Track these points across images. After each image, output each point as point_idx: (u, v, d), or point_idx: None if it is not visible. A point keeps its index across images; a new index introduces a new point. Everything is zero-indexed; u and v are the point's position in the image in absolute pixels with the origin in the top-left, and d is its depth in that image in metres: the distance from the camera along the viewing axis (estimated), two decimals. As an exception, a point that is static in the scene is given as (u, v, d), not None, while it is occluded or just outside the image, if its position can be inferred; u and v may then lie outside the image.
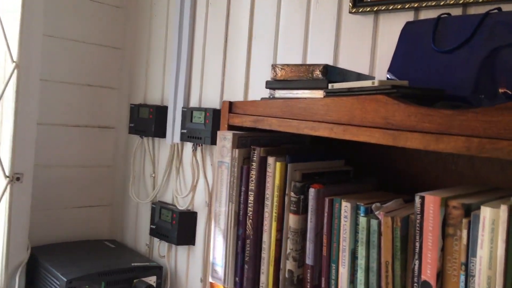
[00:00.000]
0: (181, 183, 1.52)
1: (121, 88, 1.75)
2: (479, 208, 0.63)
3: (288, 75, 0.91)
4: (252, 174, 0.90)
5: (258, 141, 0.94)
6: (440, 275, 0.67)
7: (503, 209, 0.59)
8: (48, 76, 1.58)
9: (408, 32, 0.91)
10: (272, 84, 0.94)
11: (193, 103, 1.48)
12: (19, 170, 1.45)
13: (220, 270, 0.94)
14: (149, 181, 1.64)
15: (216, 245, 0.94)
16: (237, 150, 0.91)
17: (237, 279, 0.93)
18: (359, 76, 0.92)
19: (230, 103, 0.95)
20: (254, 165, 0.89)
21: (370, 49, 1.05)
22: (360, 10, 1.06)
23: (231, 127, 0.95)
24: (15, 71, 1.42)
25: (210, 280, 0.96)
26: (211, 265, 0.96)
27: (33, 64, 1.46)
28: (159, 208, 1.55)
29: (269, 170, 0.88)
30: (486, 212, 0.61)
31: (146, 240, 1.65)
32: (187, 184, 1.50)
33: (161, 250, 1.58)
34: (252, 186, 0.90)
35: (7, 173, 1.43)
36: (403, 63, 0.90)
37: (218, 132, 0.92)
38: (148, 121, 1.59)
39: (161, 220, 1.54)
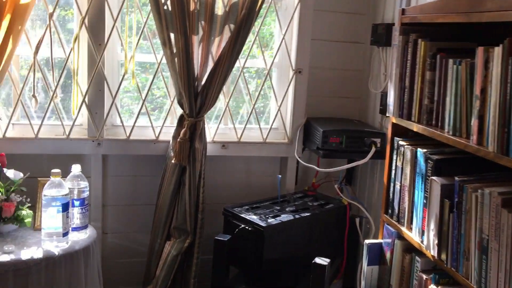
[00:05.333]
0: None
1: (368, 13, 2.47)
2: None
3: (436, -11, 1.50)
4: (409, 50, 1.54)
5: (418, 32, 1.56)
6: None
7: None
8: (320, 7, 2.42)
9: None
10: (429, -4, 1.54)
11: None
12: (300, 66, 2.39)
13: (391, 108, 1.64)
14: (382, 78, 2.35)
15: (390, 93, 1.64)
16: (401, 36, 1.56)
17: (400, 112, 1.62)
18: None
19: (403, 9, 1.60)
20: (410, 44, 1.54)
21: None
22: None
23: (403, 24, 1.60)
24: (299, 4, 2.33)
25: (387, 114, 1.67)
26: (387, 106, 1.67)
27: None
28: (385, 95, 2.26)
29: (418, 47, 1.51)
30: None
31: (379, 119, 2.39)
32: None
33: (386, 124, 2.30)
34: (409, 57, 1.55)
35: (293, 68, 2.39)
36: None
37: (393, 27, 1.59)
38: (382, 34, 2.28)
39: (386, 103, 2.25)
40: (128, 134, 2.26)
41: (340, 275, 2.30)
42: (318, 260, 1.83)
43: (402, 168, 1.62)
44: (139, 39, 2.22)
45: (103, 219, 2.31)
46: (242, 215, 2.08)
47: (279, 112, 2.45)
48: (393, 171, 1.68)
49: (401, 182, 1.62)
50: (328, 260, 1.84)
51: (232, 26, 2.17)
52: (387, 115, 1.71)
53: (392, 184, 1.69)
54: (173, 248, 2.17)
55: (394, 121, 1.66)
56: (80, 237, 1.86)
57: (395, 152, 1.67)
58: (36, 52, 2.08)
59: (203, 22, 2.16)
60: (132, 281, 2.35)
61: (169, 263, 2.14)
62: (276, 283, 2.07)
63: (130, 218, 2.38)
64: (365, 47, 2.50)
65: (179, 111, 2.25)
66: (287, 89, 2.43)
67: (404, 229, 1.61)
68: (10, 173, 1.92)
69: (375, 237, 2.15)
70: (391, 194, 1.70)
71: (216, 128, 2.38)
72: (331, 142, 2.23)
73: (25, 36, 2.07)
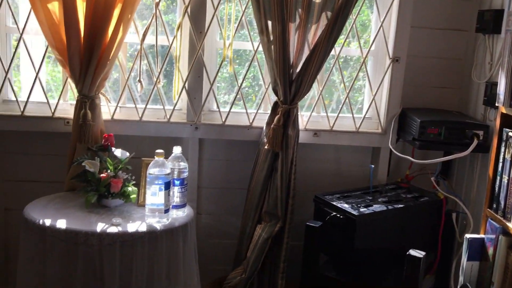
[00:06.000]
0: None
1: (473, -1, 2.35)
2: None
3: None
4: (525, 35, 1.45)
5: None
6: None
7: None
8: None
9: None
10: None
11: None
12: (397, 55, 2.33)
13: (502, 97, 1.56)
14: (487, 67, 2.22)
15: (501, 82, 1.55)
16: (517, 21, 1.47)
17: (511, 102, 1.53)
18: None
19: (519, -7, 1.50)
20: (527, 29, 1.44)
21: None
22: None
23: (519, 8, 1.50)
24: (399, -9, 2.27)
25: (497, 104, 1.59)
26: (497, 95, 1.58)
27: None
28: (490, 85, 2.14)
29: (536, 31, 1.42)
30: None
31: (482, 110, 2.27)
32: None
33: (490, 115, 2.18)
34: (524, 42, 1.45)
35: (390, 56, 2.34)
36: None
37: (507, 12, 1.50)
38: (489, 21, 2.15)
39: (491, 93, 2.13)
40: (223, 120, 2.34)
41: (433, 271, 2.22)
42: (413, 252, 1.79)
43: (511, 161, 1.53)
44: (237, 27, 2.27)
45: (198, 200, 2.42)
46: (334, 203, 2.08)
47: (373, 101, 2.40)
48: (500, 164, 1.59)
49: (509, 176, 1.54)
50: (423, 253, 1.79)
51: (329, 13, 2.16)
52: (496, 104, 1.62)
53: (498, 178, 1.60)
54: (264, 231, 2.22)
55: (504, 111, 1.58)
56: (179, 215, 1.96)
57: (503, 144, 1.58)
58: (143, 40, 2.21)
59: (300, 10, 2.17)
60: (223, 261, 2.44)
61: (260, 246, 2.20)
62: (366, 273, 2.05)
63: (222, 201, 2.46)
64: (468, 35, 2.38)
65: (273, 98, 2.29)
66: (383, 78, 2.38)
67: (510, 225, 1.53)
68: (118, 152, 2.06)
69: (474, 233, 2.06)
70: (496, 188, 1.62)
71: (309, 116, 2.39)
72: (428, 133, 2.15)
73: (133, 25, 2.20)
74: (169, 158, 1.97)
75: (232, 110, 2.34)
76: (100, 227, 1.77)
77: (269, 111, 2.30)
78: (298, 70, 2.20)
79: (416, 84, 2.43)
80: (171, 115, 2.30)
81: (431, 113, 2.31)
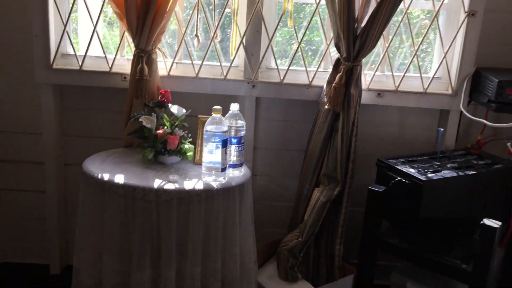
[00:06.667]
0: None
1: None
2: None
3: None
4: None
5: None
6: None
7: None
8: None
9: None
10: None
11: None
12: (474, 8, 2.12)
13: None
14: None
15: None
16: None
17: None
18: None
19: None
20: None
21: None
22: None
23: None
24: None
25: None
26: None
27: None
28: None
29: None
30: None
31: None
32: None
33: None
34: None
35: (466, 10, 2.13)
36: None
37: None
38: None
39: None
40: (282, 78, 2.24)
41: (503, 243, 2.07)
42: (488, 221, 1.65)
43: None
44: (299, -22, 2.14)
45: (254, 161, 2.35)
46: (398, 167, 1.95)
47: (444, 59, 2.22)
48: None
49: None
50: (499, 223, 1.65)
51: (399, -38, 1.98)
52: None
53: None
54: (322, 194, 2.13)
55: None
56: (236, 174, 1.90)
57: None
58: (200, -8, 2.12)
59: (368, -42, 2.00)
60: (278, 224, 2.39)
61: (318, 209, 2.12)
62: (431, 242, 1.93)
63: (278, 162, 2.39)
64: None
65: (334, 56, 2.16)
66: (456, 34, 2.19)
67: None
68: (174, 108, 2.02)
69: (553, 204, 1.89)
70: None
71: (372, 75, 2.25)
72: (507, 95, 1.97)
73: (190, -23, 2.12)
74: (226, 115, 1.91)
75: (290, 68, 2.24)
76: (157, 183, 1.74)
77: (329, 70, 2.17)
78: (363, 24, 2.05)
79: (493, 41, 2.22)
80: (227, 72, 2.22)
81: (510, 72, 2.11)
